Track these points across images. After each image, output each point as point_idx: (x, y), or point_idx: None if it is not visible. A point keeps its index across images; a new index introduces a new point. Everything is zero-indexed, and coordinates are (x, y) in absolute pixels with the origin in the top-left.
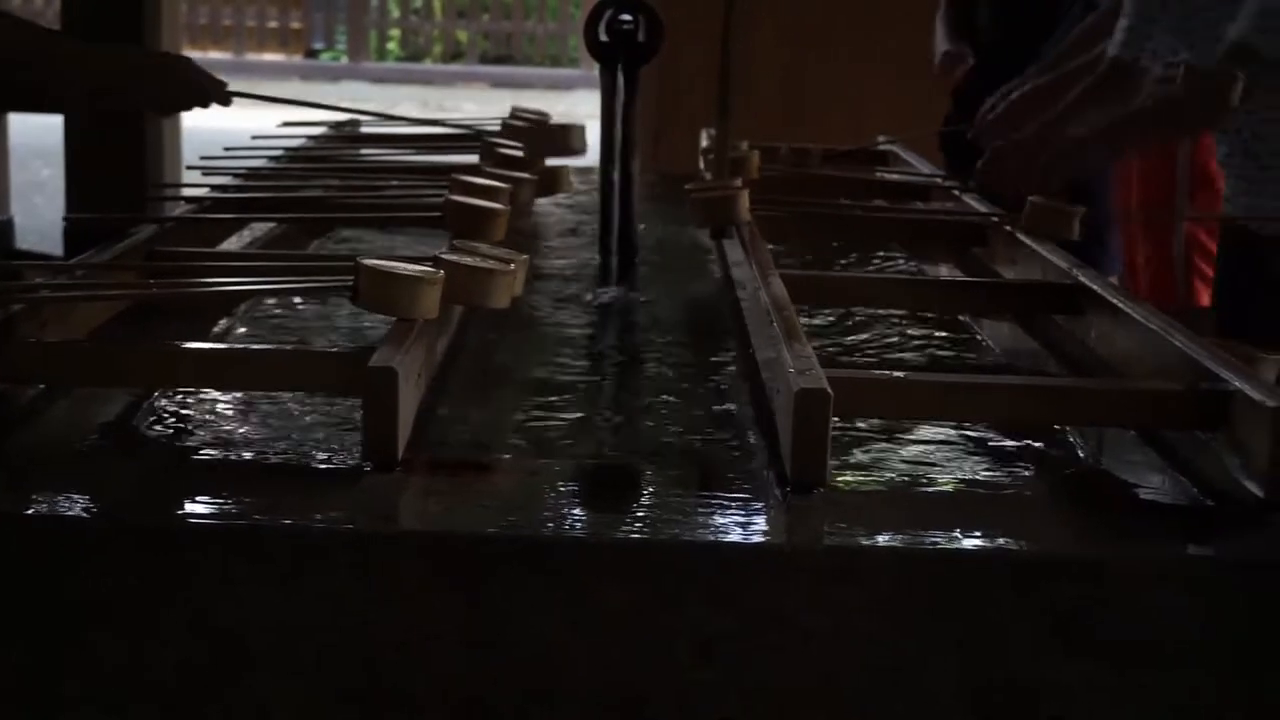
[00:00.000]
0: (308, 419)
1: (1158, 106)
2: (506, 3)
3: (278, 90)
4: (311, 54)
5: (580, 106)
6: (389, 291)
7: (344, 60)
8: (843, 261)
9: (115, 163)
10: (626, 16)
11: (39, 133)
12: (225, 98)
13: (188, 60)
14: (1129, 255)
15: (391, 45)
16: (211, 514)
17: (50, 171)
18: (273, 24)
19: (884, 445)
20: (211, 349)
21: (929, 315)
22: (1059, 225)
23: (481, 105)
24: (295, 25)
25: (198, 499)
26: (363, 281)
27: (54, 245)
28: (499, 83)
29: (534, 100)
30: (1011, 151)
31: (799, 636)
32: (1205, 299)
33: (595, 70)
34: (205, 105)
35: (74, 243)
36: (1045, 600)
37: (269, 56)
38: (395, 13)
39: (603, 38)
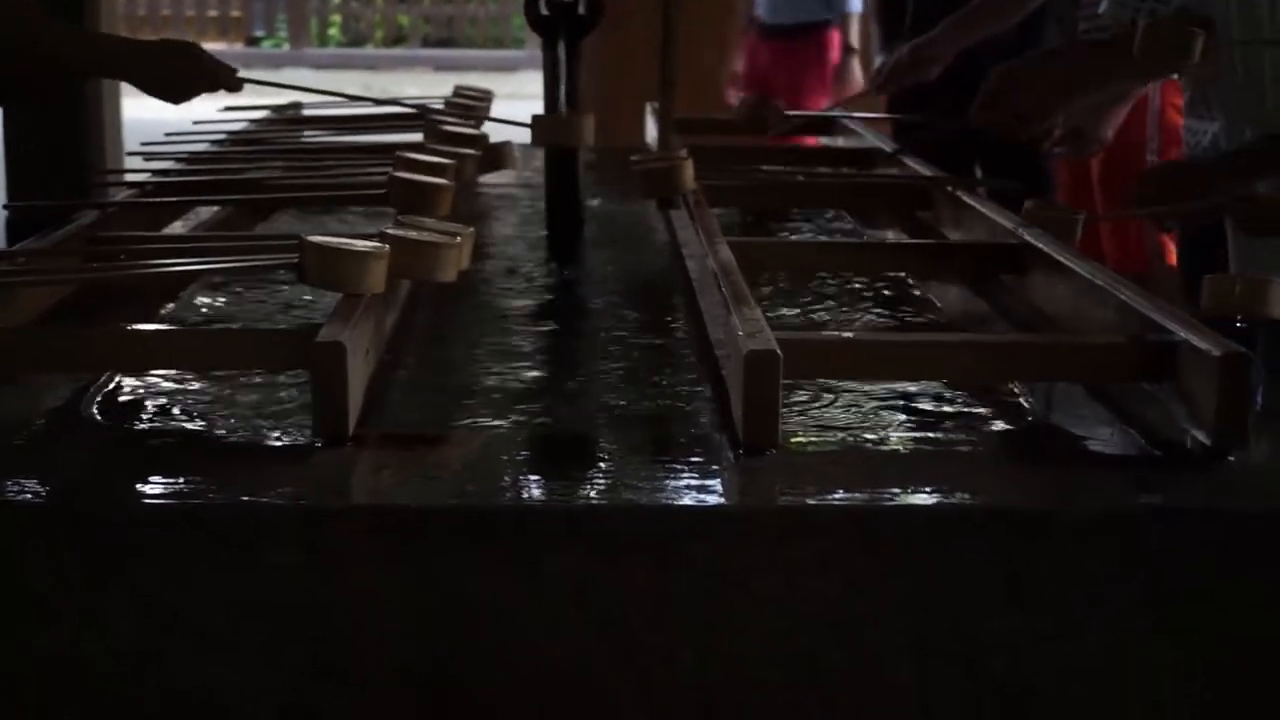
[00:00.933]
0: (256, 398)
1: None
2: None
3: None
4: (252, 41)
5: (526, 86)
6: (335, 267)
7: (286, 47)
8: (789, 227)
9: (56, 152)
10: None
11: None
12: (236, 83)
13: (197, 46)
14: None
15: (333, 31)
16: (162, 494)
17: None
18: (212, 13)
19: (834, 405)
20: (159, 331)
21: (876, 278)
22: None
23: (425, 89)
24: (235, 13)
25: (148, 480)
26: (308, 258)
27: None
28: (442, 66)
29: (478, 82)
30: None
31: (752, 597)
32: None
33: (539, 50)
34: (215, 90)
35: (16, 233)
36: (997, 554)
37: (209, 45)
38: None
39: (544, 11)
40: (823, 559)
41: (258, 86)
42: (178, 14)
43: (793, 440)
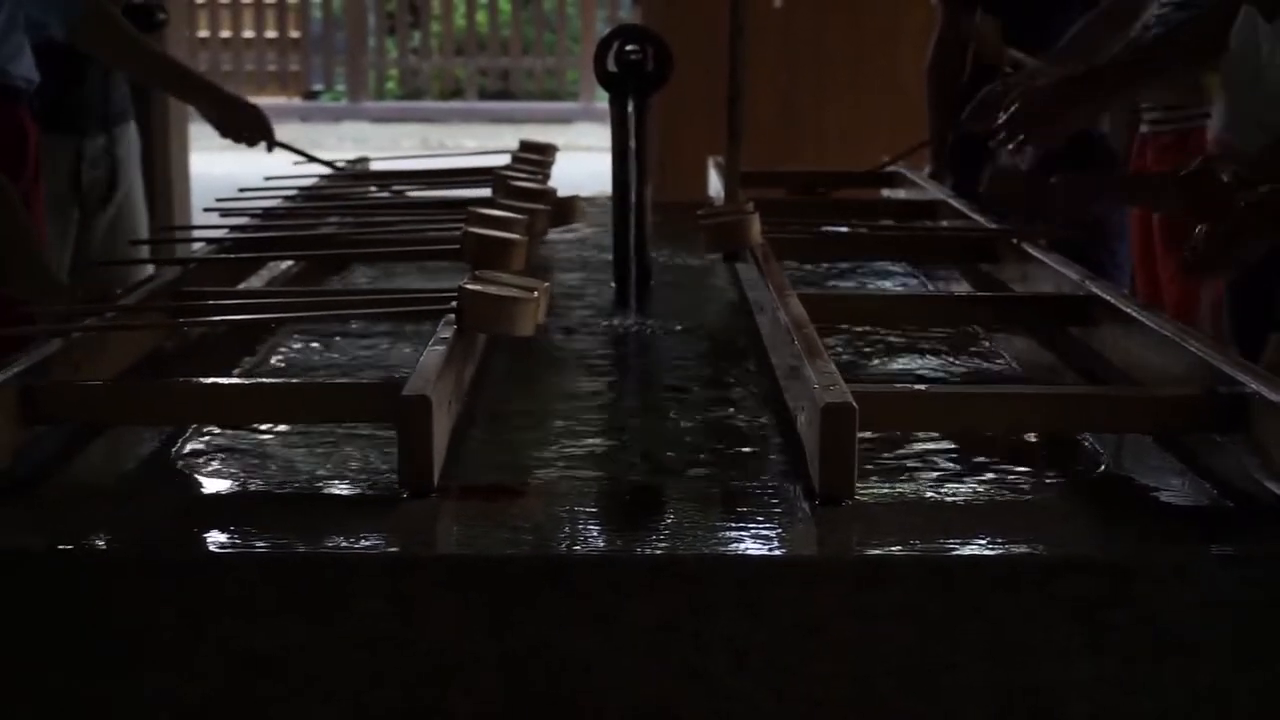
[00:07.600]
0: (342, 450)
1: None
2: (503, 38)
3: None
4: (311, 95)
5: (581, 139)
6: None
7: (344, 101)
8: (854, 281)
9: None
10: (634, 46)
11: None
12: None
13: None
14: (1153, 268)
15: (390, 84)
16: (250, 544)
17: None
18: (272, 67)
19: (907, 457)
20: (248, 384)
21: (945, 330)
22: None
23: (482, 140)
24: (294, 68)
25: (236, 530)
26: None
27: None
28: (498, 118)
29: (534, 134)
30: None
31: (831, 645)
32: None
33: (594, 103)
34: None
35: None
36: (1072, 604)
37: (268, 99)
38: (393, 52)
39: (611, 68)
40: (900, 608)
41: (315, 140)
42: (238, 68)
43: (866, 491)
